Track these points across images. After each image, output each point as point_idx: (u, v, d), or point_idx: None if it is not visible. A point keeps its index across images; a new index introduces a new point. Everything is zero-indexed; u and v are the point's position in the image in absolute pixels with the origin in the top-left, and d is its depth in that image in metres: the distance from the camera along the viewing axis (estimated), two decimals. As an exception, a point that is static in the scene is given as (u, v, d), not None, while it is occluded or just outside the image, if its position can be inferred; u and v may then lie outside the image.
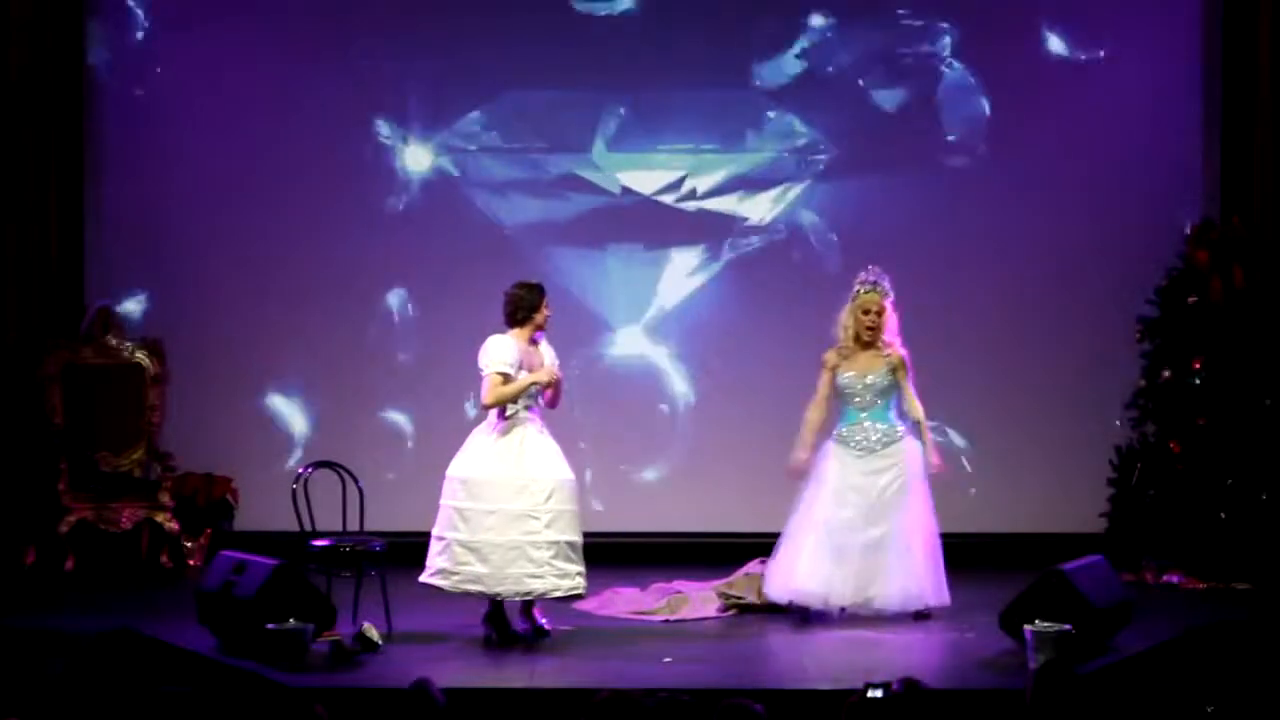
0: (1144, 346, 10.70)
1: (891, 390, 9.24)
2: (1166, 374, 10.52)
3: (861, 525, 9.12)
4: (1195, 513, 10.31)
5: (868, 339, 9.23)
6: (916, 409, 9.23)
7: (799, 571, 9.16)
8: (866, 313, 9.23)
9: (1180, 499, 10.36)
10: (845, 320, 9.30)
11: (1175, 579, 10.27)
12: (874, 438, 9.21)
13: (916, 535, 9.14)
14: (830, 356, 9.32)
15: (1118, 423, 10.85)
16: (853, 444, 9.23)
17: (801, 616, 9.20)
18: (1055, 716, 5.90)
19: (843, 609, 9.15)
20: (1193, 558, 10.29)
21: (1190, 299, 10.53)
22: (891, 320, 9.24)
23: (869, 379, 9.23)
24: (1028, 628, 7.98)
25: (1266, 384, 10.40)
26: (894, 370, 9.23)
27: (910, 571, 9.09)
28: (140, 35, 11.25)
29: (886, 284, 9.25)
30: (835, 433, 9.30)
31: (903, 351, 9.26)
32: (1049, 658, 7.77)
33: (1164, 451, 10.48)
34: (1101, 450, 10.81)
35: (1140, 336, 10.69)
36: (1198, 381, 10.41)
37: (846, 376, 9.25)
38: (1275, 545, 10.22)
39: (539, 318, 8.70)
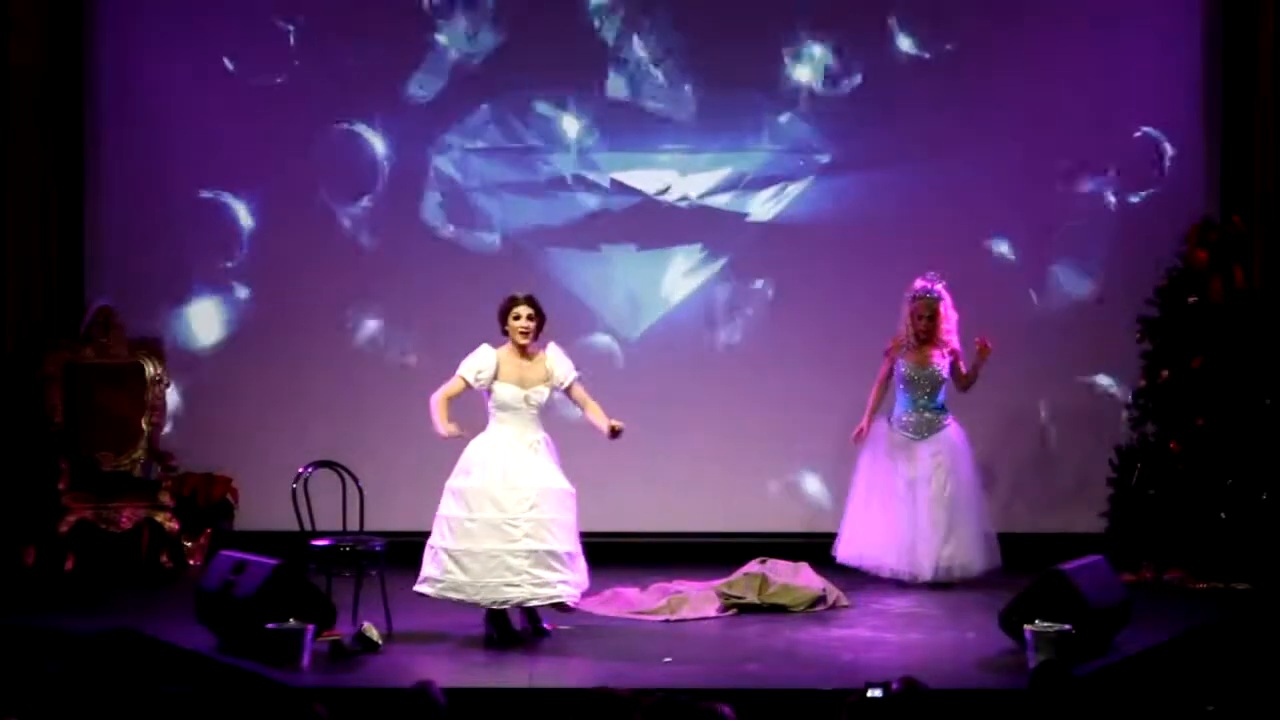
0: (1144, 346, 10.70)
1: (944, 382, 10.33)
2: (1166, 374, 10.52)
3: (925, 491, 10.19)
4: (1195, 513, 10.31)
5: (923, 339, 10.28)
6: (963, 380, 10.39)
7: (874, 542, 10.26)
8: (920, 318, 10.27)
9: (1180, 499, 10.36)
10: (905, 320, 10.31)
11: (1175, 579, 10.27)
12: (926, 421, 10.31)
13: (969, 505, 10.27)
14: (892, 345, 10.36)
15: (1118, 423, 10.85)
16: (910, 429, 10.33)
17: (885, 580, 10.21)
18: (1054, 716, 5.91)
19: (912, 576, 10.13)
20: (1193, 558, 10.29)
21: (1190, 299, 10.53)
22: (950, 318, 10.29)
23: (927, 371, 10.29)
24: (1028, 628, 7.98)
25: (1266, 384, 10.40)
26: (954, 361, 10.34)
27: (965, 539, 10.21)
28: (141, 35, 11.24)
29: (938, 289, 10.30)
30: (892, 419, 10.38)
31: (956, 344, 10.33)
32: (1048, 658, 7.77)
33: (1164, 451, 10.48)
34: (1101, 450, 10.82)
35: (1140, 336, 10.69)
36: (1198, 381, 10.41)
37: (907, 367, 10.32)
38: (1275, 545, 10.22)
39: (510, 328, 8.72)
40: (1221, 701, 6.61)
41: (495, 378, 8.68)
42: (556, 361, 8.79)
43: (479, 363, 8.70)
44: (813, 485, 11.30)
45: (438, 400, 8.71)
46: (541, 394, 8.72)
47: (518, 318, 8.71)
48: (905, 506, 10.21)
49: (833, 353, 11.21)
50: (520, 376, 8.69)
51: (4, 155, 10.84)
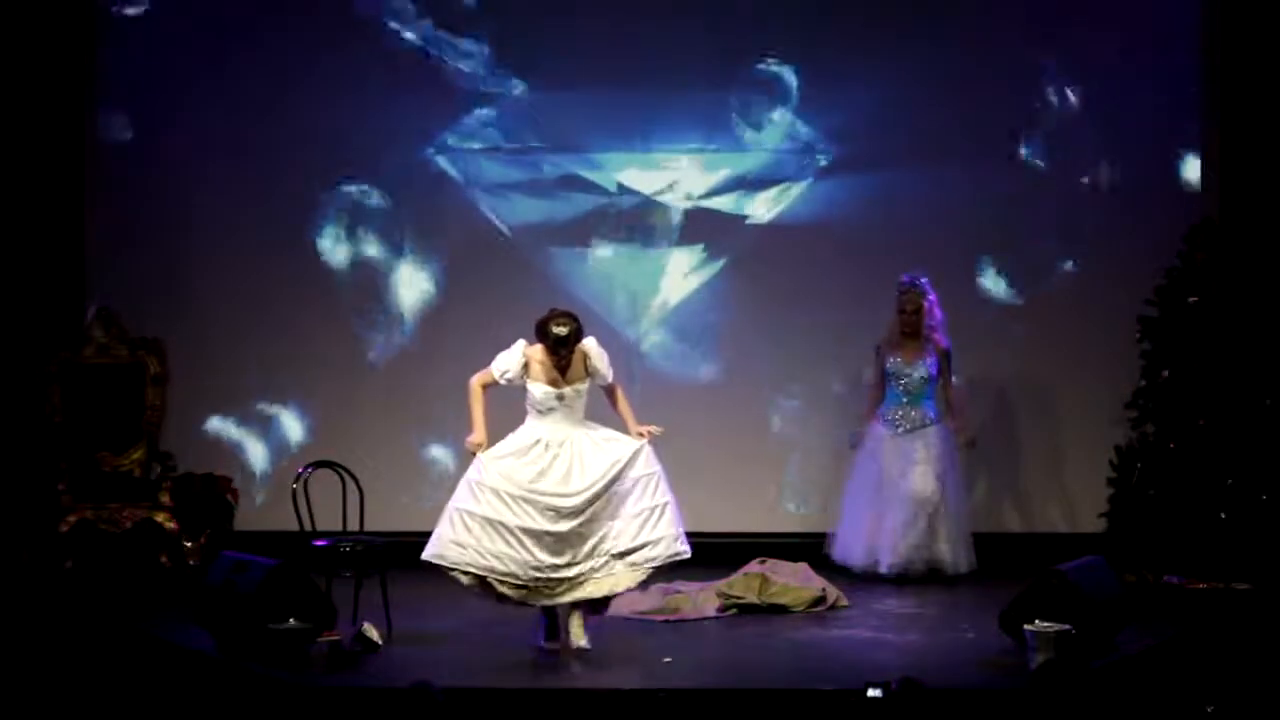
0: (1144, 346, 10.70)
1: (930, 380, 10.48)
2: (1166, 374, 10.52)
3: (911, 490, 10.35)
4: (1195, 513, 10.31)
5: (908, 332, 10.47)
6: (948, 394, 10.57)
7: (848, 535, 10.51)
8: (904, 311, 10.47)
9: (1180, 499, 10.36)
10: (894, 314, 10.52)
11: (1175, 579, 10.27)
12: (909, 418, 10.48)
13: (943, 507, 10.40)
14: (881, 344, 10.56)
15: (1118, 423, 10.85)
16: (896, 425, 10.49)
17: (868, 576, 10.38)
18: (1054, 716, 5.92)
19: (900, 570, 10.31)
20: (1193, 558, 10.29)
21: (1190, 299, 10.53)
22: (934, 315, 10.47)
23: (912, 367, 10.47)
24: (1028, 628, 7.98)
25: (1266, 384, 10.40)
26: (940, 359, 10.48)
27: (934, 538, 10.38)
28: (144, 32, 11.24)
29: (923, 284, 10.49)
30: (880, 415, 10.55)
31: (945, 343, 10.49)
32: (1048, 658, 7.77)
33: (1164, 451, 10.47)
34: (1101, 450, 10.82)
35: (1140, 336, 10.69)
36: (1198, 381, 10.41)
37: (894, 362, 10.51)
38: (1275, 545, 10.22)
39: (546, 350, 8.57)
40: (1221, 701, 6.62)
41: (526, 376, 8.52)
42: (596, 357, 8.58)
43: (505, 363, 8.49)
44: (813, 486, 11.29)
45: (474, 387, 8.53)
46: (578, 390, 8.56)
47: (558, 355, 8.47)
48: (878, 501, 10.40)
49: (833, 352, 11.22)
50: (553, 376, 8.57)
51: (4, 156, 10.84)
